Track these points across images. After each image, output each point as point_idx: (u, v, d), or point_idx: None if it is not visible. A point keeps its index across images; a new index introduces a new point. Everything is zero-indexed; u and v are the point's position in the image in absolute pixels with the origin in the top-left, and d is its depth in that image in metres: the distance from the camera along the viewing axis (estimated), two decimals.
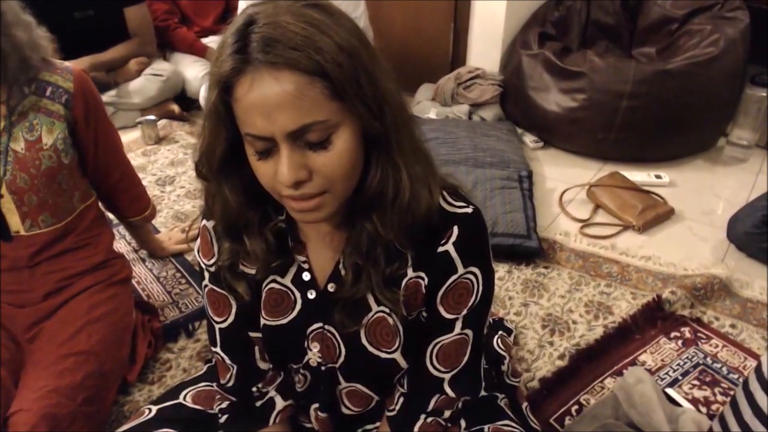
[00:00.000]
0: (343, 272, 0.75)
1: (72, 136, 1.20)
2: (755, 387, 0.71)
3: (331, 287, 0.78)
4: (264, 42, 0.58)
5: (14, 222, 1.15)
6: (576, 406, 1.28)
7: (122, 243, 1.81)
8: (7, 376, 1.14)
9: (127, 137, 2.47)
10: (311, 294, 0.80)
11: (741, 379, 0.76)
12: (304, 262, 0.79)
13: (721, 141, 2.35)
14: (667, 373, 1.36)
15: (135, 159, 2.32)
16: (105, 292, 1.28)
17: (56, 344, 1.16)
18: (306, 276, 0.79)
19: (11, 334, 1.22)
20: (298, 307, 0.81)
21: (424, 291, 0.77)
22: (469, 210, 0.75)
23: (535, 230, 1.77)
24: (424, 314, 0.80)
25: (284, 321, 0.81)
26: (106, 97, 2.45)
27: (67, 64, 1.20)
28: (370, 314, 0.77)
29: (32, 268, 1.20)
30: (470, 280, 0.76)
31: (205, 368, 1.07)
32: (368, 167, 0.68)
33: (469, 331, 0.80)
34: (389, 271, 0.73)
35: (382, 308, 0.77)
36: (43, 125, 1.15)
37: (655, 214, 1.90)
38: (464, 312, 0.78)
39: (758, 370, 0.71)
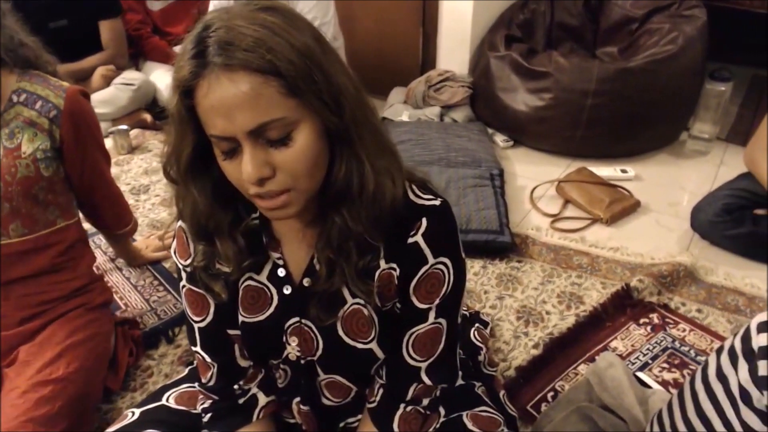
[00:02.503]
0: (317, 267, 0.78)
1: (57, 152, 1.19)
2: (699, 387, 0.74)
3: (306, 282, 0.80)
4: (219, 45, 0.61)
5: None
6: (552, 393, 1.32)
7: (98, 253, 1.80)
8: None
9: None
10: (287, 289, 0.82)
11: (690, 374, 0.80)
12: (279, 258, 0.81)
13: (684, 135, 2.43)
14: (637, 358, 1.41)
15: None
16: (84, 317, 1.26)
17: (34, 370, 1.13)
18: (281, 272, 0.81)
19: None
20: (275, 303, 0.82)
21: (396, 282, 0.79)
22: (437, 202, 0.78)
23: (508, 226, 1.81)
24: (398, 305, 0.82)
25: (262, 317, 0.83)
26: None
27: (63, 82, 1.20)
28: (346, 306, 0.80)
29: (6, 286, 1.18)
30: (441, 271, 0.79)
31: (186, 371, 1.07)
32: (334, 162, 0.70)
33: (442, 320, 0.82)
34: (362, 263, 0.75)
35: (357, 300, 0.79)
36: (25, 134, 1.14)
37: (622, 207, 1.96)
38: (437, 301, 0.80)
39: (704, 369, 0.75)
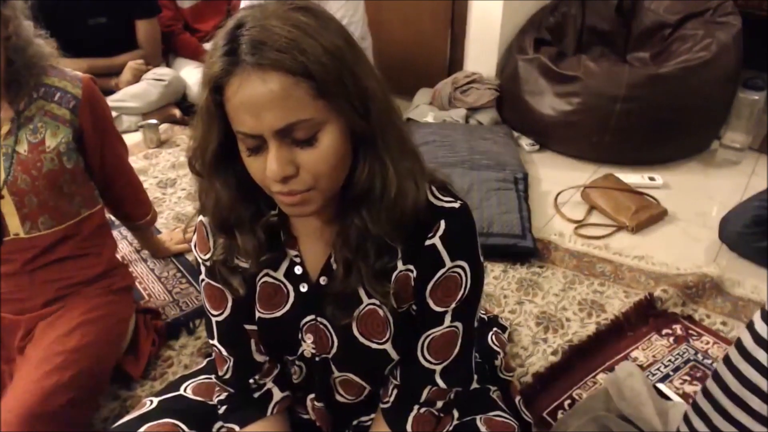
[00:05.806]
0: (334, 266, 0.78)
1: (78, 143, 1.22)
2: (738, 360, 0.72)
3: (323, 280, 0.81)
4: (252, 44, 0.61)
5: (14, 224, 1.16)
6: (569, 401, 1.31)
7: (124, 243, 1.83)
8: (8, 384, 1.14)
9: (129, 140, 2.48)
10: (303, 287, 0.82)
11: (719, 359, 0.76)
12: (296, 256, 0.81)
13: (715, 144, 2.38)
14: (658, 369, 1.39)
15: (137, 162, 2.35)
16: (104, 297, 1.28)
17: (48, 341, 1.15)
18: (298, 270, 0.82)
19: (9, 346, 1.21)
20: (291, 300, 0.83)
21: (413, 284, 0.79)
22: (456, 205, 0.78)
23: (530, 231, 1.80)
24: (414, 307, 0.82)
25: (278, 314, 0.84)
26: (108, 102, 2.49)
27: (76, 72, 1.22)
28: (361, 307, 0.80)
29: (31, 273, 1.20)
30: (458, 274, 0.78)
31: (205, 362, 1.09)
32: (357, 164, 0.70)
33: (458, 324, 0.82)
34: (379, 265, 0.75)
35: (372, 300, 0.79)
36: (48, 128, 1.16)
37: (649, 215, 1.93)
38: (453, 305, 0.80)
39: (738, 344, 0.73)
